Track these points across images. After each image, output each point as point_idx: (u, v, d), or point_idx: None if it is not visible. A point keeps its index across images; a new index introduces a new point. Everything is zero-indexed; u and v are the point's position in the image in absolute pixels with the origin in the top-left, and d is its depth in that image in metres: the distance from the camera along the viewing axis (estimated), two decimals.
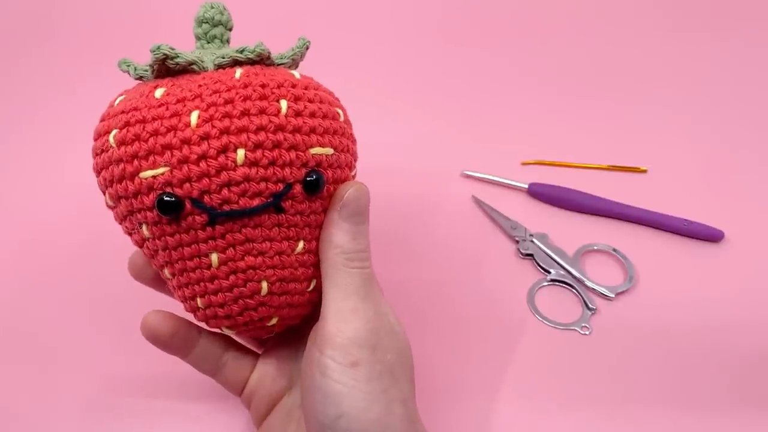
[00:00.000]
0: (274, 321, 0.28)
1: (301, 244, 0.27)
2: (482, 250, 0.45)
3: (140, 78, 0.28)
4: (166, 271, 0.28)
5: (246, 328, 0.28)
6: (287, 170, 0.25)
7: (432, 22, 0.66)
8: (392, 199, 0.48)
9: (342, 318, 0.26)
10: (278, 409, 0.30)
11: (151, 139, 0.25)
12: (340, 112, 0.29)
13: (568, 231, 0.45)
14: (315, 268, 0.28)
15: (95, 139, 0.27)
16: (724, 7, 0.65)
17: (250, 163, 0.25)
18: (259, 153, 0.25)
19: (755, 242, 0.44)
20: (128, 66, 0.28)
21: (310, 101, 0.27)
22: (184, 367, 0.31)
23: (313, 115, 0.26)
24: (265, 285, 0.26)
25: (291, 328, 0.30)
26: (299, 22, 0.64)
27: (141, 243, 0.28)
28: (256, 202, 0.25)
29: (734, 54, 0.61)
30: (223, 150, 0.24)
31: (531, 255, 0.44)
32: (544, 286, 0.42)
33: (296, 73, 0.28)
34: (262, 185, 0.25)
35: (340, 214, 0.27)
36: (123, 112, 0.26)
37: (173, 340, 0.29)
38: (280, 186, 0.25)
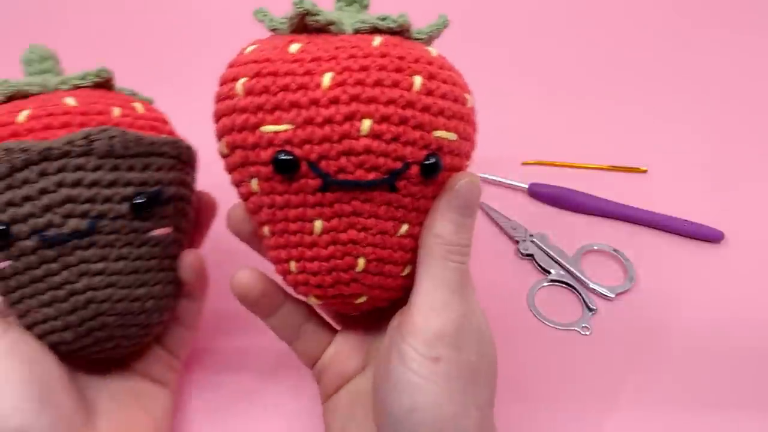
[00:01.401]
0: (362, 299, 0.27)
1: (405, 227, 0.26)
2: (482, 250, 0.45)
3: (274, 30, 0.28)
4: (266, 229, 0.27)
5: (333, 300, 0.27)
6: (408, 149, 0.24)
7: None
8: None
9: (431, 310, 0.25)
10: (348, 388, 0.30)
11: (280, 94, 0.24)
12: (468, 97, 0.28)
13: (568, 231, 0.45)
14: (413, 253, 0.27)
15: (221, 84, 0.27)
16: (725, 7, 0.65)
17: (374, 135, 0.24)
18: (384, 126, 0.24)
19: (755, 242, 0.44)
20: (264, 16, 0.28)
21: (443, 81, 0.26)
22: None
23: (444, 96, 0.25)
24: (362, 261, 0.26)
25: (375, 309, 0.29)
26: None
27: (247, 196, 0.27)
28: (372, 175, 0.24)
29: (734, 54, 0.61)
30: (350, 117, 0.24)
31: (531, 255, 0.44)
32: (544, 286, 0.42)
33: (433, 50, 0.27)
34: (381, 160, 0.24)
35: (449, 203, 0.26)
36: (255, 61, 0.25)
37: (262, 300, 0.29)
38: (399, 164, 0.25)
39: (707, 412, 0.35)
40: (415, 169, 0.25)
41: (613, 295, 0.41)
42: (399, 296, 0.28)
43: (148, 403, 0.31)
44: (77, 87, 0.30)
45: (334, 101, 0.24)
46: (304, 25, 0.26)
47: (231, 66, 0.27)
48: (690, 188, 0.49)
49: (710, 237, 0.44)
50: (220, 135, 0.27)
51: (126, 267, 0.28)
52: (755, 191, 0.48)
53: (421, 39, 0.28)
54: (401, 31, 0.27)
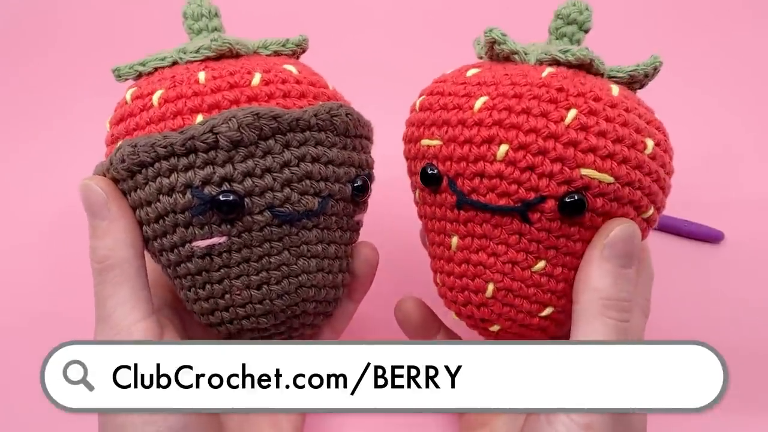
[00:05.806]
0: (496, 328, 0.27)
1: (541, 264, 0.26)
2: None
3: (481, 57, 0.29)
4: (428, 238, 0.28)
5: (469, 321, 0.28)
6: (543, 181, 0.24)
7: (437, 19, 0.65)
8: (400, 204, 0.48)
9: None
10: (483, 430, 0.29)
11: (438, 112, 0.26)
12: (649, 143, 0.26)
13: None
14: (554, 295, 0.26)
15: (419, 96, 0.29)
16: (724, 5, 0.65)
17: (508, 161, 0.24)
18: (520, 154, 0.24)
19: (755, 242, 0.44)
20: (478, 44, 0.30)
21: (607, 120, 0.25)
22: None
23: (602, 134, 0.24)
24: (491, 287, 0.26)
25: None
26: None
27: (416, 203, 0.29)
28: (502, 201, 0.25)
29: (734, 53, 0.61)
30: (488, 140, 0.24)
31: None
32: None
33: (615, 89, 0.26)
34: (513, 188, 0.24)
35: (603, 252, 0.24)
36: (442, 81, 0.27)
37: (419, 328, 0.31)
38: (532, 195, 0.24)
39: (706, 412, 0.35)
40: (551, 204, 0.24)
41: None
42: (539, 337, 0.27)
43: (279, 419, 0.30)
44: (276, 53, 0.28)
45: (478, 123, 0.24)
46: (496, 52, 0.27)
47: (434, 82, 0.28)
48: (690, 188, 0.49)
49: (710, 237, 0.44)
50: (404, 142, 0.29)
51: (334, 251, 0.27)
52: (755, 191, 0.48)
53: (619, 78, 0.27)
54: (582, 66, 0.26)
